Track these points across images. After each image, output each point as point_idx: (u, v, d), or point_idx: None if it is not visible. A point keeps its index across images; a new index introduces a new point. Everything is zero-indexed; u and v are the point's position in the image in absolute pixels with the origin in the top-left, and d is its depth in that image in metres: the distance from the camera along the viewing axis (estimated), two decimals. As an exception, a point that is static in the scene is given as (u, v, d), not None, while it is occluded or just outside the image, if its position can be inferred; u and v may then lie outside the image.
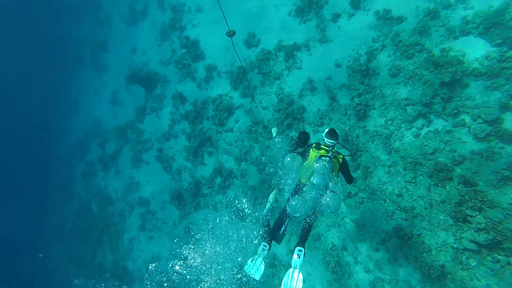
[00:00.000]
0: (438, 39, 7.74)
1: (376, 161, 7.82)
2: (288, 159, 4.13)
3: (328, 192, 3.91)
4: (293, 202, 3.87)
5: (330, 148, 4.15)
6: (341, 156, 4.22)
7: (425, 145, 7.14)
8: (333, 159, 4.07)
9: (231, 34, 6.29)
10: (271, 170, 4.58)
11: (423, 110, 7.40)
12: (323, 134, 4.27)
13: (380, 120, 8.14)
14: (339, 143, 4.36)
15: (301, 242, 4.18)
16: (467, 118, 6.85)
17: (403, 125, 7.70)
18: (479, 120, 6.57)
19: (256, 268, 4.20)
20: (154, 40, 16.98)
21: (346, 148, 4.68)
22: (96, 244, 16.99)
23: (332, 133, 4.16)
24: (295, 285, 3.80)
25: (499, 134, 6.25)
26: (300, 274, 3.87)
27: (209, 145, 12.25)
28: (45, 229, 24.04)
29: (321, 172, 3.87)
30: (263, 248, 4.25)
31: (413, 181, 7.06)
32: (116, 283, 14.90)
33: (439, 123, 7.27)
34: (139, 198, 15.11)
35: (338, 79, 9.34)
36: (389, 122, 7.92)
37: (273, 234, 4.42)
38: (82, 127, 23.19)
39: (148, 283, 9.90)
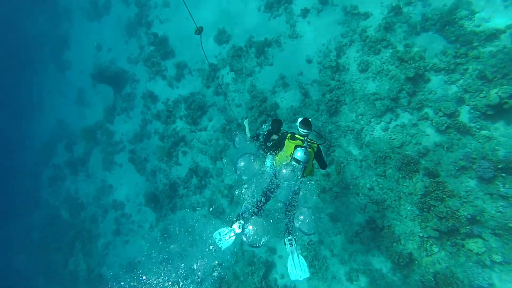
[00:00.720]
0: (402, 35, 8.00)
1: (348, 156, 8.03)
2: (242, 164, 4.14)
3: (302, 210, 4.01)
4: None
5: (305, 138, 4.16)
6: (315, 144, 4.27)
7: (393, 139, 7.43)
8: (309, 149, 4.10)
9: (198, 31, 6.09)
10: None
11: (390, 105, 7.66)
12: (297, 124, 4.30)
13: (351, 115, 8.33)
14: (314, 131, 4.40)
15: (287, 232, 4.28)
16: (430, 112, 7.19)
17: (372, 119, 7.94)
18: (440, 114, 6.92)
19: (224, 240, 4.21)
20: (120, 36, 16.14)
21: (321, 135, 4.74)
22: (67, 252, 16.22)
23: (305, 123, 4.19)
24: (301, 267, 4.01)
25: (456, 126, 6.63)
26: (300, 256, 4.07)
27: (183, 145, 11.98)
28: (8, 239, 22.49)
29: (300, 162, 3.92)
30: (239, 226, 4.19)
31: (383, 174, 7.34)
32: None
33: (405, 117, 7.58)
34: (113, 201, 14.56)
35: (309, 75, 9.41)
36: (359, 117, 8.14)
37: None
38: (46, 129, 21.77)
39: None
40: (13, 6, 25.86)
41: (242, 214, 4.53)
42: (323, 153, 4.61)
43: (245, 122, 5.41)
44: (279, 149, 4.32)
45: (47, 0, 22.29)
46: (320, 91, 8.95)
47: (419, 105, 7.29)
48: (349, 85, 8.49)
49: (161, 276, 12.06)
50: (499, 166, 5.87)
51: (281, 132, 4.66)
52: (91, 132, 16.38)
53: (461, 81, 6.89)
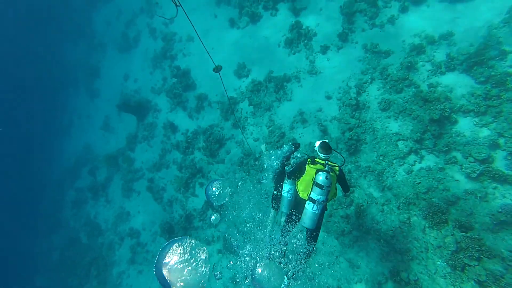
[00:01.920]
0: (425, 74, 7.76)
1: (369, 199, 7.61)
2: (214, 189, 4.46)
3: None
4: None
5: (326, 162, 4.09)
6: (337, 167, 4.18)
7: (418, 183, 6.97)
8: (331, 173, 4.01)
9: (217, 69, 6.23)
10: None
11: (414, 146, 7.28)
12: (316, 148, 4.25)
13: (372, 155, 8.00)
14: (334, 151, 4.32)
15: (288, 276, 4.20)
16: (459, 156, 6.74)
17: (395, 161, 7.55)
18: (470, 159, 6.45)
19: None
20: (146, 67, 17.04)
21: (340, 154, 4.63)
22: (83, 278, 16.26)
23: (325, 147, 4.14)
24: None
25: (491, 174, 6.12)
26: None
27: (200, 176, 11.98)
28: (31, 257, 23.07)
29: (322, 187, 3.90)
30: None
31: (408, 221, 6.83)
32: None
33: (431, 160, 7.15)
34: (129, 229, 14.61)
35: (328, 111, 9.27)
36: (381, 158, 7.78)
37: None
38: (73, 151, 22.82)
39: None
40: (59, 35, 28.36)
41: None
42: (345, 175, 4.51)
43: (263, 147, 5.49)
44: (300, 175, 4.27)
45: (86, 33, 24.23)
46: (339, 128, 8.74)
47: (446, 148, 6.86)
48: (369, 124, 8.24)
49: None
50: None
51: (298, 155, 4.68)
52: (113, 158, 16.90)
53: (494, 124, 6.45)
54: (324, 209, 4.10)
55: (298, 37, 10.32)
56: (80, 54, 25.16)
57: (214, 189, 4.55)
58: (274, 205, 4.95)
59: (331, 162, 4.19)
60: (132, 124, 16.45)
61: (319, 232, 4.36)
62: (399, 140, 7.63)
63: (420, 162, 7.27)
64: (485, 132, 6.53)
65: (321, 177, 3.88)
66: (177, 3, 3.56)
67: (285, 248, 4.53)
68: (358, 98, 8.60)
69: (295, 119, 9.76)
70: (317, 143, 4.26)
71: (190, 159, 12.41)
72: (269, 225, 5.24)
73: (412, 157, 7.38)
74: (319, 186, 3.89)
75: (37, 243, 22.78)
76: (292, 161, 4.74)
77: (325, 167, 4.02)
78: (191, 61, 14.08)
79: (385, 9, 8.88)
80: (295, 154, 4.83)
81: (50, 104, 28.44)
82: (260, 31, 11.79)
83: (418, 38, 8.16)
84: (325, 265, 8.05)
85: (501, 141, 6.25)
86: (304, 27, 10.44)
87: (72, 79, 25.34)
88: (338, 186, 4.36)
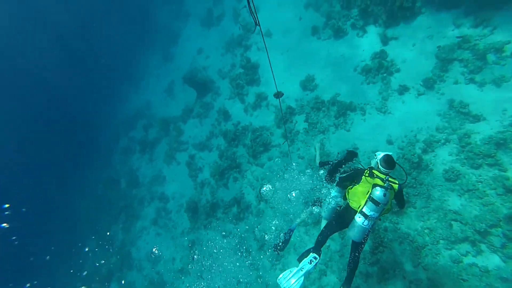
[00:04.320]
0: (518, 159, 6.56)
1: (397, 268, 6.95)
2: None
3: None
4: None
5: (387, 177, 3.82)
6: (397, 184, 3.88)
7: (464, 280, 6.10)
8: (389, 190, 3.77)
9: (277, 95, 6.05)
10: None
11: (473, 236, 6.34)
12: (377, 160, 4.02)
13: (416, 223, 7.21)
14: (397, 164, 4.04)
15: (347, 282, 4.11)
16: (531, 272, 5.68)
17: (442, 241, 6.71)
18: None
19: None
20: (220, 48, 17.39)
21: (404, 170, 4.29)
22: (113, 218, 18.15)
23: (388, 161, 3.91)
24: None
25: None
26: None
27: (237, 172, 12.17)
28: (82, 184, 26.31)
29: (378, 204, 3.70)
30: (311, 260, 4.02)
31: (434, 314, 6.12)
32: (118, 263, 15.78)
33: (492, 261, 6.12)
34: (161, 193, 15.72)
35: (385, 157, 8.50)
36: (426, 230, 6.97)
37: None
38: (136, 103, 24.83)
39: None
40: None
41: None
42: (404, 192, 4.19)
43: (317, 146, 5.45)
44: (353, 183, 4.12)
45: (176, 1, 25.53)
46: (391, 180, 7.98)
47: (516, 256, 5.83)
48: (426, 188, 7.36)
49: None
50: None
51: (353, 164, 4.44)
52: (166, 123, 18.03)
53: None
54: (374, 224, 3.92)
55: (379, 67, 9.45)
56: (166, 18, 26.64)
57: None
58: (315, 203, 4.84)
59: (391, 178, 3.90)
60: (192, 98, 17.18)
61: (364, 245, 4.20)
62: (455, 220, 6.71)
63: (475, 257, 6.31)
64: None
65: (378, 192, 3.68)
66: (257, 22, 3.44)
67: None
68: (423, 156, 7.69)
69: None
70: (380, 154, 4.00)
71: (232, 151, 12.62)
72: (299, 218, 5.33)
73: (465, 246, 6.45)
74: (375, 202, 3.69)
75: (88, 174, 25.82)
76: (344, 168, 4.52)
77: (384, 183, 3.76)
78: (263, 57, 13.94)
79: (495, 66, 7.56)
80: (350, 163, 4.60)
81: (130, 56, 30.96)
82: (341, 48, 11.06)
83: (523, 113, 6.87)
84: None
85: None
86: (388, 58, 9.50)
87: (152, 39, 27.11)
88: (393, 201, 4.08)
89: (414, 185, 7.52)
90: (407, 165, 7.70)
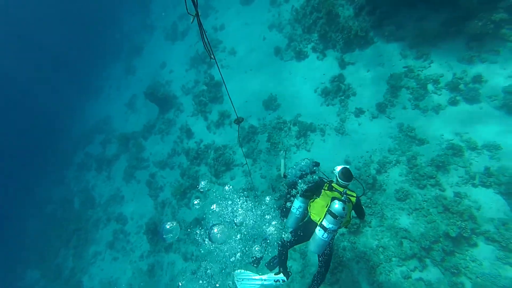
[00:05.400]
0: (455, 180, 7.17)
1: (355, 287, 7.11)
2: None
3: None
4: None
5: (344, 190, 3.95)
6: (354, 197, 4.03)
7: (411, 294, 6.41)
8: (347, 203, 3.89)
9: (238, 121, 5.99)
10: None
11: (419, 253, 6.72)
12: (336, 173, 4.12)
13: (372, 242, 7.48)
14: (355, 179, 4.17)
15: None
16: (468, 285, 6.11)
17: (394, 259, 7.01)
18: (479, 297, 5.83)
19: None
20: (184, 63, 17.21)
21: (361, 184, 4.55)
22: (63, 242, 16.57)
23: (346, 174, 4.02)
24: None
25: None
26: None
27: (199, 191, 11.82)
28: (31, 200, 23.83)
29: (336, 217, 3.78)
30: (278, 280, 4.24)
31: (388, 332, 6.29)
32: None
33: (434, 274, 6.55)
34: (119, 213, 14.73)
35: (343, 177, 8.81)
36: (380, 249, 7.26)
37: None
38: (95, 116, 23.47)
39: None
40: (118, 8, 29.45)
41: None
42: (362, 204, 4.34)
43: (281, 156, 5.40)
44: (314, 196, 4.22)
45: (143, 11, 24.95)
46: (348, 200, 8.26)
47: (455, 270, 6.26)
48: (379, 208, 7.73)
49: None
50: None
51: (317, 181, 4.45)
52: (126, 139, 17.16)
53: (521, 269, 5.79)
54: (334, 236, 4.00)
55: (337, 90, 9.94)
56: (130, 29, 25.92)
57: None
58: (282, 214, 4.86)
59: (349, 190, 4.03)
60: (154, 113, 16.65)
61: (331, 258, 4.28)
62: (405, 238, 7.09)
63: (421, 271, 6.68)
64: (509, 272, 5.86)
65: (336, 206, 3.77)
66: (212, 56, 3.36)
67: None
68: (377, 177, 8.11)
69: (307, 173, 9.37)
70: (338, 168, 4.12)
71: (194, 170, 12.29)
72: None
73: (414, 262, 6.81)
74: (333, 215, 3.77)
75: (39, 190, 23.54)
76: (308, 178, 4.55)
77: (342, 196, 3.87)
78: (227, 74, 13.98)
79: (434, 95, 8.33)
80: (312, 175, 4.62)
81: (91, 64, 29.45)
82: (302, 70, 11.49)
83: (459, 138, 7.56)
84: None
85: (524, 289, 5.59)
86: (346, 82, 10.04)
87: (115, 49, 26.12)
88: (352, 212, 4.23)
89: (369, 205, 7.85)
90: (364, 184, 8.04)
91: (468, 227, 6.30)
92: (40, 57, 36.47)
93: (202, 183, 10.20)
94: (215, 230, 4.09)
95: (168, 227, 4.89)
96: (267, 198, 5.08)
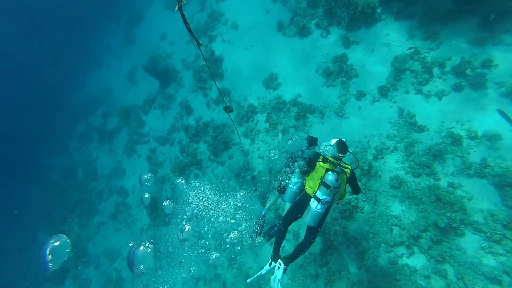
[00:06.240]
0: (451, 169, 7.10)
1: (343, 270, 7.38)
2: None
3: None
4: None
5: (338, 162, 4.01)
6: (349, 169, 4.09)
7: (396, 279, 6.65)
8: (341, 174, 3.94)
9: (228, 109, 5.85)
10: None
11: (408, 241, 6.87)
12: (332, 145, 4.16)
13: (363, 227, 7.63)
14: (349, 152, 4.22)
15: (288, 259, 4.15)
16: (451, 272, 6.30)
17: (383, 245, 7.19)
18: (461, 284, 6.02)
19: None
20: (186, 35, 16.50)
21: (355, 157, 4.48)
22: (68, 211, 17.22)
23: (341, 146, 4.07)
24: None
25: (474, 310, 5.73)
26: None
27: (198, 168, 11.96)
28: (34, 169, 24.46)
29: (330, 188, 3.82)
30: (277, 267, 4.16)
31: (369, 313, 6.63)
32: (74, 259, 15.13)
33: (420, 261, 6.73)
34: (120, 187, 15.11)
35: (339, 161, 8.79)
36: (370, 235, 7.42)
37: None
38: (95, 87, 23.22)
39: None
40: None
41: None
42: (357, 178, 4.43)
43: (280, 130, 5.61)
44: (310, 170, 4.25)
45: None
46: (342, 185, 8.31)
47: (440, 258, 6.42)
48: (373, 194, 7.78)
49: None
50: None
51: (314, 153, 4.54)
52: (126, 112, 17.08)
53: (503, 258, 5.90)
54: (328, 209, 4.02)
55: (339, 71, 9.58)
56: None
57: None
58: (280, 189, 4.98)
59: (344, 163, 4.08)
60: (154, 86, 16.37)
61: (318, 232, 4.31)
62: (395, 225, 7.21)
63: (408, 257, 6.87)
64: (490, 261, 5.99)
65: (330, 177, 3.79)
66: (199, 43, 3.18)
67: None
68: (373, 163, 8.06)
69: (304, 155, 9.34)
70: (333, 141, 4.18)
71: (193, 147, 12.34)
72: (269, 202, 5.65)
73: (401, 249, 6.98)
74: (327, 186, 3.80)
75: (44, 156, 23.96)
76: (305, 153, 4.63)
77: (336, 167, 3.91)
78: (228, 50, 13.48)
79: (439, 79, 7.98)
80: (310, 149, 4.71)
81: (90, 33, 28.52)
82: (304, 48, 11.00)
83: (459, 126, 7.37)
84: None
85: (505, 279, 5.73)
86: (349, 62, 9.64)
87: (115, 17, 25.10)
88: (347, 187, 4.31)
89: (364, 191, 7.90)
90: (358, 171, 8.03)
91: (457, 218, 6.35)
92: (37, 23, 35.33)
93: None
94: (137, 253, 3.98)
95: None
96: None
